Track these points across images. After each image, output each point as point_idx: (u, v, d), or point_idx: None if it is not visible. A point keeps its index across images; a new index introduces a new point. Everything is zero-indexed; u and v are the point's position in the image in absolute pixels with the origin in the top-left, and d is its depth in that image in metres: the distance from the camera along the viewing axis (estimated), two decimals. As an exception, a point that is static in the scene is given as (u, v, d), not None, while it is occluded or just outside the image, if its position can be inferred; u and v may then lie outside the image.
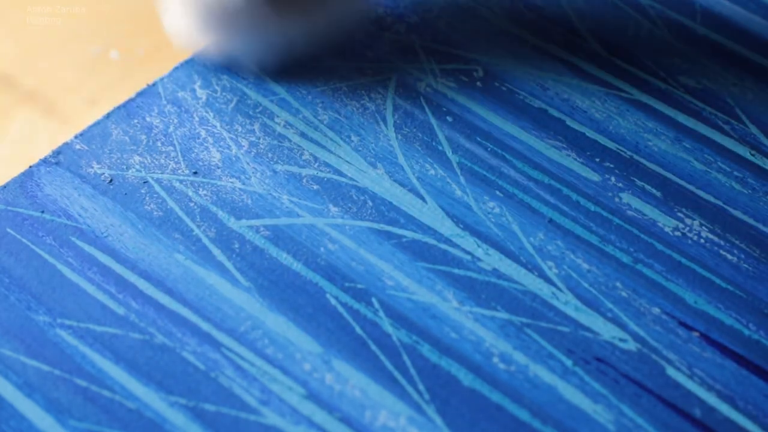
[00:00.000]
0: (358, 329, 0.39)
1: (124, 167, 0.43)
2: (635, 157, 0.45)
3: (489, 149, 0.45)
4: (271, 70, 0.46)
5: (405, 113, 0.46)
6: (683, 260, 0.42)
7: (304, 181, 0.43)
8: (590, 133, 0.46)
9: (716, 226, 0.43)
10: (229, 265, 0.40)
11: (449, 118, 0.46)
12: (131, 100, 0.46)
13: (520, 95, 0.47)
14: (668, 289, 0.41)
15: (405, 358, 0.38)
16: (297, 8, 0.45)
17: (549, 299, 0.40)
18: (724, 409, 0.38)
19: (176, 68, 0.47)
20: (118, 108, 0.45)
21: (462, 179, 0.44)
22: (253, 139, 0.45)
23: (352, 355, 0.38)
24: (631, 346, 0.39)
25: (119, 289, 0.39)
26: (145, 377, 0.37)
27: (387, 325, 0.39)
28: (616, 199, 0.44)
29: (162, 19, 0.47)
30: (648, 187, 0.44)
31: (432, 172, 0.44)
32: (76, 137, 0.44)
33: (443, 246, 0.41)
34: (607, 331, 0.39)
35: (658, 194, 0.44)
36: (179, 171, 0.43)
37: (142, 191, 0.42)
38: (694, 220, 0.43)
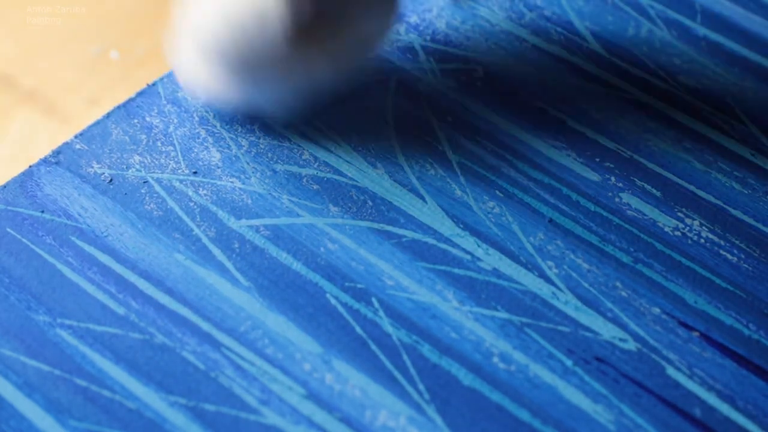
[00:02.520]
0: (358, 329, 0.39)
1: (124, 167, 0.43)
2: (635, 157, 0.45)
3: (489, 149, 0.45)
4: (294, 117, 0.45)
5: (405, 113, 0.46)
6: (683, 260, 0.42)
7: (304, 180, 0.43)
8: (590, 133, 0.46)
9: (716, 226, 0.43)
10: (229, 264, 0.40)
11: (449, 118, 0.46)
12: (131, 100, 0.46)
13: (520, 95, 0.47)
14: (668, 289, 0.41)
15: (405, 357, 0.38)
16: (320, 54, 0.42)
17: (549, 299, 0.40)
18: (724, 409, 0.38)
19: (176, 68, 0.47)
20: (118, 108, 0.45)
21: (462, 179, 0.44)
22: (253, 138, 0.45)
23: (352, 355, 0.38)
24: (631, 346, 0.39)
25: (119, 289, 0.39)
26: (145, 377, 0.37)
27: (387, 325, 0.39)
28: (616, 199, 0.44)
29: (172, 65, 0.44)
30: (648, 187, 0.44)
31: (432, 172, 0.44)
32: (76, 137, 0.44)
33: (443, 246, 0.41)
34: (607, 331, 0.39)
35: (658, 194, 0.44)
36: (179, 171, 0.43)
37: (142, 191, 0.42)
38: (694, 220, 0.43)
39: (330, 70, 0.42)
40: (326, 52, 0.42)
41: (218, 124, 0.45)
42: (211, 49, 0.40)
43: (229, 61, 0.40)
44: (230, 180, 0.43)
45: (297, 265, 0.40)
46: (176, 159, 0.44)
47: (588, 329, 0.39)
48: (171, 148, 0.44)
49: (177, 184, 0.43)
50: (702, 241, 0.43)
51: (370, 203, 0.43)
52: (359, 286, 0.40)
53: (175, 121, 0.45)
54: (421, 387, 0.38)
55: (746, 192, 0.44)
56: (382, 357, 0.38)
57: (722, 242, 0.43)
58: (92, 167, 0.43)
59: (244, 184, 0.43)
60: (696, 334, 0.40)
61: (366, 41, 0.43)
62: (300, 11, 0.39)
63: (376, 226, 0.42)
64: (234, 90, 0.42)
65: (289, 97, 0.43)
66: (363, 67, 0.46)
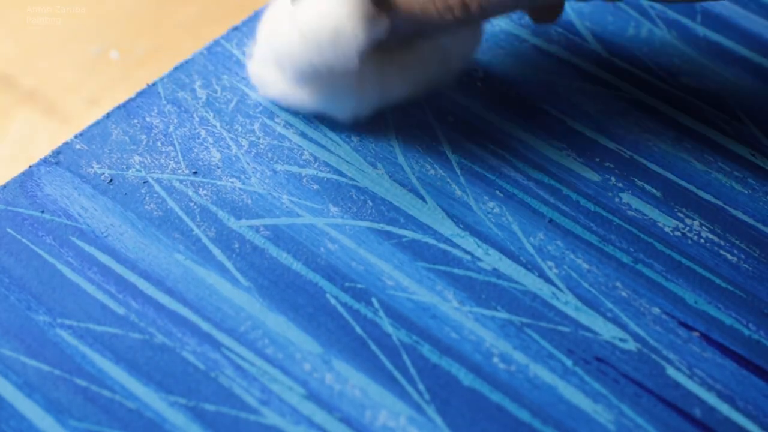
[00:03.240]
0: (358, 329, 0.39)
1: (124, 167, 0.43)
2: (635, 157, 0.45)
3: (489, 149, 0.45)
4: (362, 121, 0.45)
5: (405, 113, 0.46)
6: (683, 260, 0.42)
7: (304, 180, 0.43)
8: (590, 133, 0.46)
9: (716, 226, 0.43)
10: (229, 265, 0.40)
11: (449, 118, 0.46)
12: (131, 100, 0.46)
13: (520, 95, 0.47)
14: (668, 289, 0.41)
15: (405, 358, 0.38)
16: (394, 67, 0.43)
17: (549, 299, 0.40)
18: (724, 409, 0.38)
19: (176, 68, 0.47)
20: (118, 108, 0.45)
21: (462, 179, 0.44)
22: (253, 138, 0.45)
23: (352, 355, 0.38)
24: (631, 346, 0.39)
25: (119, 289, 0.39)
26: (145, 377, 0.37)
27: (387, 325, 0.39)
28: (616, 199, 0.44)
29: (247, 66, 0.45)
30: (648, 187, 0.44)
31: (432, 172, 0.44)
32: (76, 137, 0.44)
33: (443, 246, 0.41)
34: (607, 331, 0.39)
35: (658, 194, 0.44)
36: (179, 171, 0.43)
37: (142, 191, 0.42)
38: (694, 220, 0.43)
39: (403, 87, 0.43)
40: (401, 70, 0.43)
41: (218, 125, 0.45)
42: (285, 57, 0.41)
43: (301, 71, 0.41)
44: (230, 180, 0.43)
45: (297, 265, 0.40)
46: (176, 159, 0.44)
47: (588, 329, 0.39)
48: (171, 148, 0.44)
49: (177, 184, 0.43)
50: (702, 241, 0.43)
51: (370, 203, 0.43)
52: (359, 286, 0.40)
53: (175, 121, 0.45)
54: (421, 387, 0.38)
55: (746, 192, 0.44)
56: (382, 357, 0.38)
57: (722, 242, 0.43)
58: (92, 167, 0.43)
59: (244, 184, 0.43)
60: (696, 334, 0.40)
61: (445, 61, 0.44)
62: (376, 29, 0.39)
63: (376, 226, 0.42)
64: (305, 97, 0.43)
65: (357, 108, 0.43)
66: (439, 85, 0.46)
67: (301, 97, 0.43)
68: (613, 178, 0.44)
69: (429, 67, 0.44)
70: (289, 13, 0.41)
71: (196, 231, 0.41)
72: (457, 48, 0.44)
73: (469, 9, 0.40)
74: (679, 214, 0.43)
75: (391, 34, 0.40)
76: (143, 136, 0.44)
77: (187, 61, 0.47)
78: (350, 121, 0.44)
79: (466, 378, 0.38)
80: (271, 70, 0.43)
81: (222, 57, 0.47)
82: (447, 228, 0.42)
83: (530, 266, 0.41)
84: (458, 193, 0.43)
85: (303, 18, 0.40)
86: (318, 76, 0.41)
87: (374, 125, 0.45)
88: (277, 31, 0.41)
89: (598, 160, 0.45)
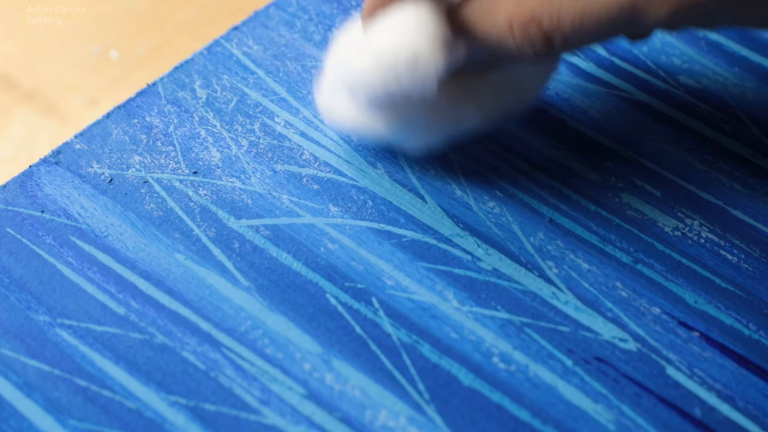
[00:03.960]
0: (358, 329, 0.39)
1: (124, 167, 0.43)
2: (635, 157, 0.45)
3: (489, 149, 0.45)
4: (434, 153, 0.44)
5: (405, 113, 0.46)
6: (683, 260, 0.42)
7: (304, 180, 0.43)
8: (590, 133, 0.46)
9: (716, 226, 0.43)
10: (229, 264, 0.40)
11: (449, 118, 0.46)
12: (131, 99, 0.46)
13: (520, 95, 0.47)
14: (668, 289, 0.41)
15: (405, 357, 0.38)
16: (467, 96, 0.41)
17: (549, 299, 0.40)
18: (724, 409, 0.38)
19: (176, 68, 0.47)
20: (118, 108, 0.45)
21: (462, 179, 0.44)
22: (253, 138, 0.45)
23: (352, 355, 0.38)
24: (631, 346, 0.39)
25: (119, 288, 0.39)
26: (145, 377, 0.37)
27: (387, 325, 0.39)
28: (616, 199, 0.44)
29: (315, 98, 0.43)
30: (648, 187, 0.44)
31: (432, 171, 0.44)
32: (76, 137, 0.44)
33: (443, 246, 0.41)
34: (607, 330, 0.39)
35: (658, 194, 0.44)
36: (179, 171, 0.43)
37: (142, 191, 0.42)
38: (694, 220, 0.43)
39: (477, 116, 0.41)
40: (475, 99, 0.41)
41: (218, 124, 0.45)
42: (358, 85, 0.39)
43: (376, 99, 0.39)
44: (230, 180, 0.43)
45: (297, 265, 0.40)
46: (176, 159, 0.44)
47: (588, 329, 0.39)
48: (171, 148, 0.44)
49: (177, 184, 0.43)
50: (702, 241, 0.43)
51: (370, 203, 0.43)
52: (359, 286, 0.40)
53: (175, 121, 0.45)
54: (421, 387, 0.38)
55: (746, 192, 0.44)
56: (382, 357, 0.38)
57: (722, 242, 0.43)
58: (92, 167, 0.43)
59: (244, 184, 0.43)
60: (696, 334, 0.40)
61: (519, 92, 0.42)
62: (454, 57, 0.38)
63: (376, 226, 0.42)
64: (377, 126, 0.41)
65: (431, 138, 0.42)
66: (512, 115, 0.44)
67: (373, 126, 0.41)
68: (613, 178, 0.44)
69: (502, 97, 0.42)
70: (363, 39, 0.39)
71: (196, 231, 0.41)
72: (530, 78, 0.42)
73: (551, 43, 0.36)
74: (679, 214, 0.43)
75: (466, 61, 0.39)
76: (143, 136, 0.44)
77: (187, 61, 0.47)
78: (422, 153, 0.43)
79: (466, 378, 0.38)
80: (342, 99, 0.41)
81: (222, 57, 0.47)
82: (447, 228, 0.42)
83: (530, 266, 0.41)
84: (458, 193, 0.43)
85: (378, 44, 0.38)
86: (393, 104, 0.40)
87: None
88: (350, 59, 0.39)
89: (598, 160, 0.45)
